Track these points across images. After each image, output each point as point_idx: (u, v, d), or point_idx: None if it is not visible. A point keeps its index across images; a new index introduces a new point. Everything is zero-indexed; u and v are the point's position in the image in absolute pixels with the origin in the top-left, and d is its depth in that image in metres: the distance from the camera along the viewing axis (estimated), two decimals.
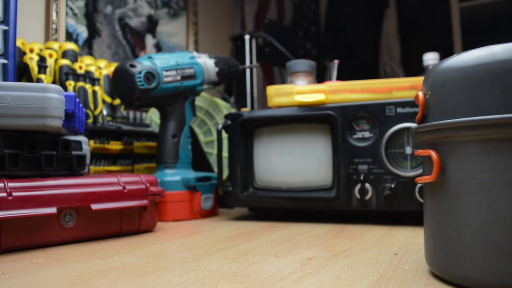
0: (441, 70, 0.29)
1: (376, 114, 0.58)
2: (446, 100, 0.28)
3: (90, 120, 0.82)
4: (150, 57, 0.68)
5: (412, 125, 0.55)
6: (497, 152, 0.25)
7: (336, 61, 0.80)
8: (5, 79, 0.54)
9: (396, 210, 0.57)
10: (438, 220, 0.29)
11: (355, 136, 0.59)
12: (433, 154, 0.28)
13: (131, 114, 0.96)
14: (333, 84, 0.64)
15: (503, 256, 0.25)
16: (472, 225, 0.26)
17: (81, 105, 0.52)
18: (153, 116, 0.95)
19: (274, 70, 1.94)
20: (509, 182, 0.25)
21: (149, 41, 1.37)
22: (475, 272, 0.26)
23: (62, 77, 0.81)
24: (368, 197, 0.57)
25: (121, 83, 0.66)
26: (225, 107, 0.87)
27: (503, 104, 0.25)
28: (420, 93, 0.30)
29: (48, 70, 0.79)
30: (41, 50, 0.83)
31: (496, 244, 0.25)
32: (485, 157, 0.26)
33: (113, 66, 0.93)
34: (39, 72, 0.77)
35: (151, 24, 1.38)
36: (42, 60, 0.80)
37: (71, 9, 1.07)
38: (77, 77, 0.82)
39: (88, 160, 0.53)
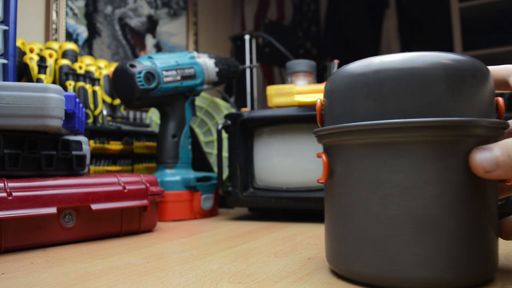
0: (332, 79, 0.31)
1: None
2: (334, 107, 0.31)
3: (90, 120, 0.82)
4: (150, 57, 0.68)
5: None
6: (370, 155, 0.28)
7: (336, 61, 0.80)
8: (5, 79, 0.53)
9: None
10: (329, 218, 0.31)
11: None
12: (323, 157, 0.31)
13: (131, 114, 0.96)
14: None
15: (375, 251, 0.27)
16: (351, 222, 0.29)
17: (81, 105, 0.52)
18: (153, 116, 0.95)
19: (274, 70, 1.94)
20: (380, 183, 0.27)
21: (149, 41, 1.37)
22: (355, 266, 0.29)
23: (62, 77, 0.81)
24: None
25: (121, 83, 0.66)
26: (225, 107, 0.87)
27: (375, 111, 0.28)
28: (318, 100, 0.33)
29: (48, 70, 0.79)
30: (41, 50, 0.83)
31: (370, 239, 0.28)
32: (361, 160, 0.28)
33: (113, 66, 0.93)
34: (39, 72, 0.77)
35: (151, 24, 1.38)
36: (42, 60, 0.80)
37: (71, 9, 1.07)
38: (77, 77, 0.82)
39: (88, 160, 0.53)
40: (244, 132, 0.67)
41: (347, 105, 0.29)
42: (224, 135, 0.80)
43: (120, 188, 0.50)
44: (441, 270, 0.26)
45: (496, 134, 0.28)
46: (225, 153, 0.80)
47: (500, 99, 0.30)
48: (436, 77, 0.27)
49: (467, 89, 0.27)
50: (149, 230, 0.55)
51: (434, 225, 0.26)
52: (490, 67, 0.31)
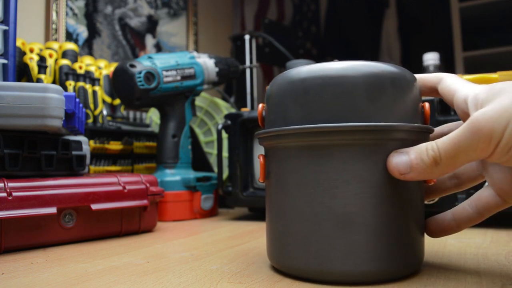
0: (270, 85, 0.33)
1: None
2: (270, 112, 0.33)
3: (90, 120, 0.82)
4: (150, 57, 0.68)
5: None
6: (298, 157, 0.30)
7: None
8: (5, 79, 0.54)
9: None
10: (267, 215, 0.34)
11: None
12: (261, 158, 0.34)
13: (131, 114, 0.96)
14: None
15: (302, 246, 0.29)
16: (282, 219, 0.31)
17: (81, 105, 0.52)
18: (153, 116, 0.95)
19: (274, 70, 1.94)
20: (306, 182, 0.29)
21: (149, 41, 1.37)
22: (286, 259, 0.31)
23: (62, 77, 0.81)
24: None
25: (121, 83, 0.66)
26: (225, 107, 0.87)
27: (302, 116, 0.30)
28: (260, 104, 0.35)
29: (48, 70, 0.79)
30: (41, 50, 0.83)
31: (297, 235, 0.30)
32: (291, 161, 0.30)
33: (113, 66, 0.93)
34: (39, 72, 0.77)
35: (151, 24, 1.38)
36: (42, 60, 0.80)
37: (71, 9, 1.07)
38: (77, 77, 0.82)
39: (88, 160, 0.53)
40: (244, 132, 0.67)
41: (279, 110, 0.32)
42: (224, 135, 0.80)
43: (120, 188, 0.50)
44: (359, 264, 0.28)
45: (419, 138, 0.30)
46: (225, 153, 0.80)
47: (426, 105, 0.32)
48: (356, 85, 0.29)
49: (387, 96, 0.29)
50: (149, 230, 0.55)
51: (353, 222, 0.28)
52: (421, 75, 0.33)
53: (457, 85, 0.30)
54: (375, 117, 0.28)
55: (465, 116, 0.28)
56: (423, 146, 0.27)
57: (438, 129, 0.34)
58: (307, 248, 0.29)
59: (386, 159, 0.28)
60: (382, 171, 0.28)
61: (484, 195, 0.30)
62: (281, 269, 0.32)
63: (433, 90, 0.33)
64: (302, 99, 0.30)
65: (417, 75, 0.33)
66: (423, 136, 0.30)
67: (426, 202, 0.52)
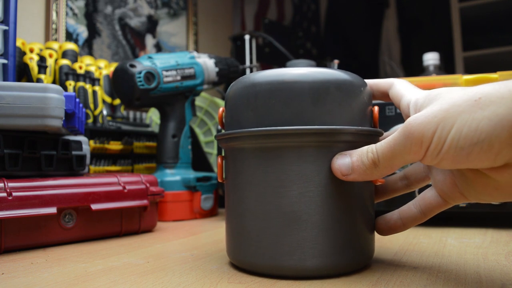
0: (228, 89, 0.35)
1: None
2: (227, 115, 0.35)
3: (90, 120, 0.82)
4: (150, 57, 0.68)
5: None
6: (249, 159, 0.32)
7: (336, 61, 0.80)
8: (5, 79, 0.54)
9: None
10: (225, 213, 0.35)
11: None
12: (218, 159, 0.35)
13: (131, 114, 0.96)
14: None
15: (252, 242, 0.31)
16: (237, 217, 0.33)
17: (81, 105, 0.52)
18: (153, 116, 0.95)
19: None
20: (257, 182, 0.31)
21: (149, 41, 1.37)
22: (239, 255, 0.33)
23: (62, 77, 0.81)
24: None
25: (121, 83, 0.66)
26: None
27: (253, 119, 0.31)
28: (221, 108, 0.37)
29: (48, 70, 0.79)
30: (41, 50, 0.83)
31: (249, 231, 0.31)
32: (243, 162, 0.32)
33: (113, 66, 0.93)
34: (39, 72, 0.77)
35: (151, 24, 1.38)
36: (42, 60, 0.80)
37: (71, 9, 1.07)
38: (77, 77, 0.82)
39: (88, 160, 0.53)
40: None
41: (234, 113, 0.33)
42: None
43: (120, 188, 0.50)
44: (305, 259, 0.30)
45: (366, 141, 0.31)
46: None
47: (376, 108, 0.33)
48: (301, 90, 0.30)
49: (332, 101, 0.30)
50: (149, 230, 0.55)
51: (299, 219, 0.30)
52: (374, 80, 0.35)
53: (404, 91, 0.31)
54: (320, 120, 0.30)
55: None
56: (364, 149, 0.29)
57: (389, 133, 0.35)
58: (258, 245, 0.31)
59: (331, 160, 0.30)
60: (328, 172, 0.30)
61: (427, 195, 0.32)
62: (237, 265, 0.33)
63: (385, 95, 0.34)
64: (253, 103, 0.31)
65: (371, 80, 0.34)
66: (371, 138, 0.32)
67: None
